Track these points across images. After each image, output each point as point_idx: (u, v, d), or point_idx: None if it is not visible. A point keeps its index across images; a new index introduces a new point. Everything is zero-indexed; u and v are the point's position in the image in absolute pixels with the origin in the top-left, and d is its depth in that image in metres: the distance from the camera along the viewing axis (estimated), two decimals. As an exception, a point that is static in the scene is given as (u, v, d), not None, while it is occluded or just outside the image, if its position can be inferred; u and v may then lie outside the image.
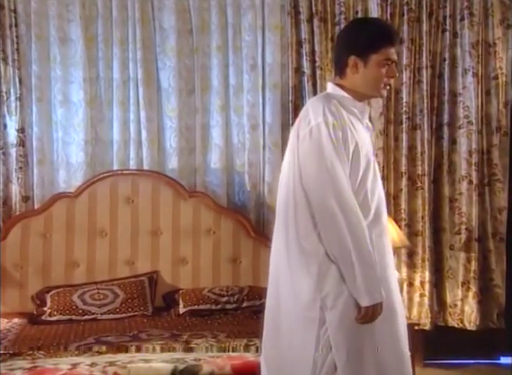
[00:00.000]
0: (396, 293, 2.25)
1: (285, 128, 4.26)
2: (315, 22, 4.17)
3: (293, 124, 4.17)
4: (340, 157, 2.12)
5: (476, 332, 4.16)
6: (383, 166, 4.25)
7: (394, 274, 2.29)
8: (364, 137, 2.26)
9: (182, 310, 3.72)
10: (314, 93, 4.24)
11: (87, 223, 4.00)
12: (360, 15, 4.19)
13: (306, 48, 4.19)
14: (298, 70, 4.24)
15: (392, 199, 4.21)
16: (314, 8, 4.17)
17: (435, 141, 4.29)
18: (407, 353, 2.23)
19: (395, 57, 2.24)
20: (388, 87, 2.29)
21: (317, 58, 4.20)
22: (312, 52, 4.20)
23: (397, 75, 2.29)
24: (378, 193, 2.23)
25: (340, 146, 2.13)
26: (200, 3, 4.20)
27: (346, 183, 2.12)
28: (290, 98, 4.24)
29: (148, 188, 4.07)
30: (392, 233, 3.73)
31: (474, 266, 4.19)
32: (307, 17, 4.18)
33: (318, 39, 4.18)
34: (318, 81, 4.22)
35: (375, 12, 4.17)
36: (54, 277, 3.92)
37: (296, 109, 4.25)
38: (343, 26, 4.16)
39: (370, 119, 2.46)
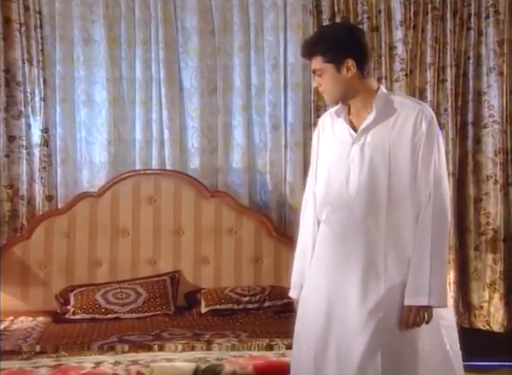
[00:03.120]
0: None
1: (306, 128, 4.25)
2: (337, 21, 4.15)
3: (314, 124, 4.22)
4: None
5: (503, 334, 4.11)
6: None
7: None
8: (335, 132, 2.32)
9: (204, 310, 3.73)
10: (337, 92, 4.22)
11: (109, 222, 4.02)
12: (382, 14, 4.16)
13: (328, 48, 4.17)
14: (320, 70, 4.22)
15: (416, 199, 4.17)
16: (336, 8, 4.14)
17: (459, 141, 4.25)
18: None
19: (313, 67, 2.28)
20: (324, 95, 2.33)
21: (339, 58, 4.17)
22: (333, 52, 4.17)
23: (315, 86, 2.33)
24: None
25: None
26: (223, 3, 4.20)
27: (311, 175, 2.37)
28: (312, 97, 4.22)
29: (170, 188, 4.08)
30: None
31: (500, 266, 4.13)
32: (329, 16, 4.16)
33: (338, 39, 4.15)
34: (341, 80, 4.19)
35: (398, 11, 4.14)
36: (77, 276, 3.95)
37: (318, 109, 4.23)
38: (365, 25, 4.15)
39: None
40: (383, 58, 4.19)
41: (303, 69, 4.23)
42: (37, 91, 4.02)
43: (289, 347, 2.93)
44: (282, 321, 3.56)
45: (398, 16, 4.15)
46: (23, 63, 3.99)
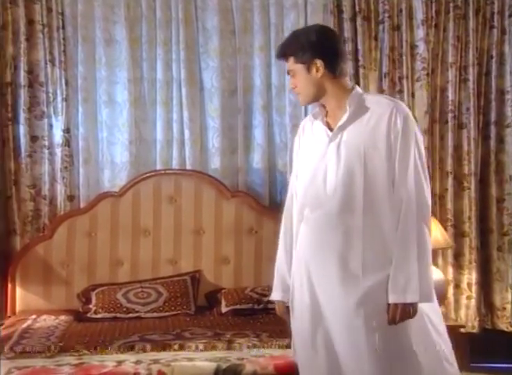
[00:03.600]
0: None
1: (327, 128, 4.24)
2: (358, 20, 4.14)
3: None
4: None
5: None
6: (428, 166, 4.18)
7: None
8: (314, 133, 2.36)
9: (224, 309, 3.73)
10: (357, 92, 4.21)
11: (130, 222, 4.04)
12: (404, 13, 4.14)
13: (349, 47, 4.16)
14: (341, 70, 4.22)
15: (438, 199, 4.15)
16: (357, 7, 4.14)
17: (481, 140, 4.22)
18: None
19: (287, 68, 2.33)
20: (297, 95, 2.38)
21: (360, 58, 4.17)
22: (355, 51, 4.17)
23: (291, 86, 2.35)
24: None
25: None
26: (243, 3, 4.21)
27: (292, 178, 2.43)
28: (333, 97, 4.21)
29: (191, 188, 4.09)
30: (436, 234, 3.69)
31: (523, 267, 4.10)
32: (350, 16, 4.15)
33: (361, 38, 4.15)
34: (362, 81, 4.18)
35: (419, 9, 4.12)
36: (99, 275, 3.97)
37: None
38: (386, 24, 4.13)
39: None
40: (404, 57, 4.17)
41: (323, 69, 4.22)
42: (59, 92, 4.05)
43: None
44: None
45: (419, 14, 4.13)
46: (46, 64, 4.03)
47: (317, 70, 2.25)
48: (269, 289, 3.82)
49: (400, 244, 2.14)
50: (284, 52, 2.31)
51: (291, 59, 2.29)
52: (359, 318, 2.12)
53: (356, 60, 4.17)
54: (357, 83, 4.18)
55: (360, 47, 4.16)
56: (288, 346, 2.94)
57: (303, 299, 2.27)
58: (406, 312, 2.12)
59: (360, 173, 2.18)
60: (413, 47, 4.19)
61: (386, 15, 4.15)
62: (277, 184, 4.30)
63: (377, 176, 2.18)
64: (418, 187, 2.17)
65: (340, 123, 2.25)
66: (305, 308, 2.26)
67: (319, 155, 2.28)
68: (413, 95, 4.23)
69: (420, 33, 4.15)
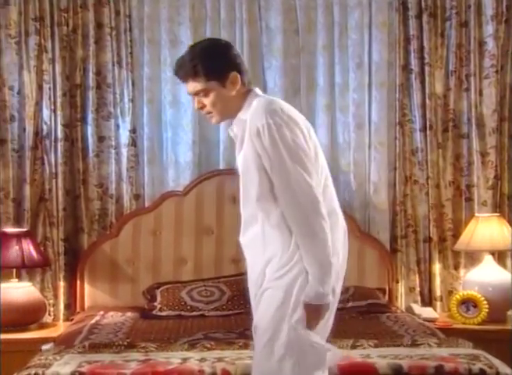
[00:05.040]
0: None
1: (391, 127, 4.20)
2: (424, 17, 4.08)
3: (399, 123, 4.16)
4: None
5: None
6: (496, 165, 4.09)
7: None
8: None
9: (286, 309, 3.72)
10: (423, 91, 4.16)
11: (194, 221, 4.08)
12: (472, 9, 4.07)
13: (414, 45, 4.11)
14: (406, 68, 4.17)
15: (507, 199, 4.04)
16: (423, 4, 4.08)
17: (552, 139, 4.09)
18: None
19: (188, 90, 2.19)
20: (209, 117, 2.22)
21: (426, 55, 4.10)
22: (421, 49, 4.11)
23: (196, 107, 2.21)
24: None
25: None
26: (307, 2, 4.19)
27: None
28: (397, 96, 4.17)
29: (254, 187, 4.09)
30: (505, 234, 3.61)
31: None
32: (416, 13, 4.10)
33: (427, 35, 4.09)
34: (427, 79, 4.13)
35: (489, 5, 4.03)
36: (163, 273, 4.03)
37: (404, 108, 4.18)
38: (454, 21, 4.06)
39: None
40: (472, 54, 4.09)
41: (388, 67, 4.17)
42: (125, 93, 4.13)
43: (375, 347, 2.91)
44: (366, 322, 3.53)
45: (489, 10, 4.04)
46: (113, 66, 4.11)
47: (233, 84, 2.15)
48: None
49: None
50: (191, 73, 2.13)
51: (200, 79, 2.13)
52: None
53: (421, 58, 4.11)
54: (422, 81, 4.13)
55: (425, 44, 4.09)
56: (352, 347, 2.94)
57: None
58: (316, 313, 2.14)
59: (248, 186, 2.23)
60: (481, 44, 4.09)
61: (454, 11, 4.07)
62: (340, 184, 4.25)
63: (251, 190, 2.20)
64: (290, 195, 2.10)
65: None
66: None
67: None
68: (480, 93, 4.13)
69: (489, 29, 4.05)
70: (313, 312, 2.09)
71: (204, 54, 2.15)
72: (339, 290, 2.21)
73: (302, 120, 2.18)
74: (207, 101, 2.16)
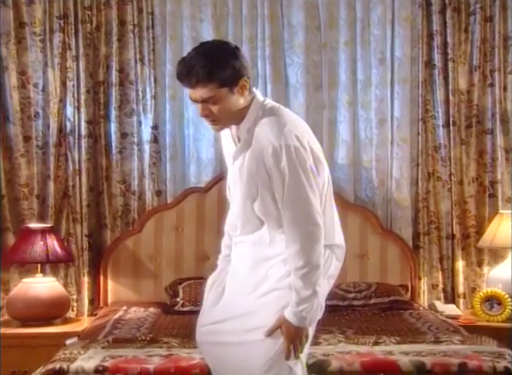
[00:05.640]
0: None
1: (414, 123, 4.19)
2: (448, 13, 4.05)
3: (422, 119, 4.14)
4: None
5: None
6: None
7: None
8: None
9: (309, 305, 3.72)
10: (446, 87, 4.13)
11: (216, 217, 4.07)
12: (497, 3, 4.03)
13: (437, 41, 4.08)
14: (429, 64, 4.15)
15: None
16: (447, -1, 4.05)
17: None
18: None
19: (193, 96, 2.06)
20: (213, 124, 2.12)
21: (449, 51, 4.08)
22: (444, 44, 4.09)
23: (200, 114, 2.08)
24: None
25: None
26: (329, -2, 4.19)
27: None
28: (420, 92, 4.15)
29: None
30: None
31: None
32: (440, 8, 4.07)
33: (450, 31, 4.06)
34: (450, 74, 4.10)
35: (514, -1, 3.99)
36: (185, 269, 4.05)
37: (426, 104, 4.15)
38: (478, 16, 4.02)
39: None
40: (496, 49, 4.06)
41: (411, 63, 4.15)
42: (148, 90, 4.15)
43: (397, 344, 2.91)
44: (388, 318, 3.53)
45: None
46: (136, 63, 4.13)
47: (242, 89, 2.07)
48: (354, 286, 3.85)
49: None
50: (204, 79, 2.00)
51: (212, 85, 2.01)
52: None
53: (445, 53, 4.08)
54: (446, 77, 4.10)
55: (449, 40, 4.07)
56: (375, 344, 2.93)
57: None
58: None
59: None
60: (506, 38, 4.06)
61: (478, 6, 4.04)
62: (362, 180, 4.26)
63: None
64: (293, 226, 2.09)
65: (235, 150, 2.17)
66: None
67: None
68: (505, 89, 4.10)
69: (514, 24, 4.02)
70: (292, 333, 2.09)
71: (218, 59, 2.02)
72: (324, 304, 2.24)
73: (306, 132, 2.15)
74: (214, 108, 2.05)
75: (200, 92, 2.03)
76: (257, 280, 2.16)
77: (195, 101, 2.07)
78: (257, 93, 2.16)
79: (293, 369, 2.12)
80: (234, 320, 2.15)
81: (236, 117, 2.11)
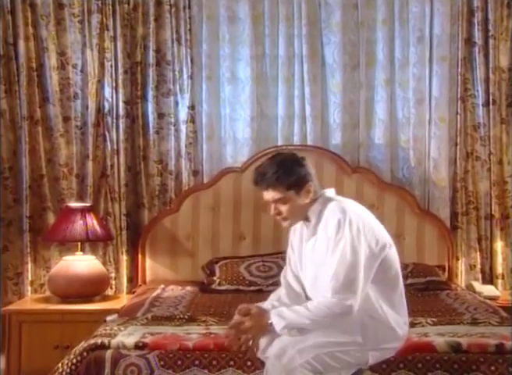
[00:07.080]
0: None
1: (452, 102, 4.13)
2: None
3: (461, 98, 4.07)
4: None
5: None
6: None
7: None
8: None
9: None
10: (486, 65, 4.06)
11: (252, 197, 4.09)
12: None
13: (478, 17, 4.00)
14: (469, 41, 4.08)
15: None
16: (488, -26, 3.96)
17: None
18: None
19: (266, 197, 2.46)
20: (283, 221, 2.49)
21: (490, 28, 4.00)
22: (485, 21, 4.01)
23: (272, 213, 2.46)
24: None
25: None
26: (367, -24, 4.13)
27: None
28: (459, 70, 4.08)
29: (312, 163, 3.98)
30: None
31: None
32: (479, -16, 3.98)
33: (492, 6, 3.98)
34: (491, 52, 4.02)
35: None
36: (222, 248, 4.09)
37: (466, 83, 4.09)
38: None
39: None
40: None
41: (450, 40, 4.08)
42: (184, 70, 4.17)
43: (434, 325, 2.89)
44: (425, 299, 3.51)
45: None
46: (173, 43, 4.15)
47: (308, 192, 2.44)
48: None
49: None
50: (274, 183, 2.40)
51: (281, 188, 2.41)
52: None
53: (486, 30, 4.01)
54: (486, 55, 4.02)
55: (490, 16, 3.99)
56: (411, 325, 2.91)
57: None
58: None
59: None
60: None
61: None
62: (399, 160, 4.23)
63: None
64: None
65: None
66: None
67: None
68: (548, 67, 4.01)
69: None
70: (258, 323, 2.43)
71: (286, 167, 2.43)
72: None
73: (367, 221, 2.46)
74: (284, 208, 2.45)
75: (272, 194, 2.45)
76: None
77: (268, 201, 2.47)
78: (328, 193, 2.50)
79: None
80: None
81: (302, 215, 2.48)
